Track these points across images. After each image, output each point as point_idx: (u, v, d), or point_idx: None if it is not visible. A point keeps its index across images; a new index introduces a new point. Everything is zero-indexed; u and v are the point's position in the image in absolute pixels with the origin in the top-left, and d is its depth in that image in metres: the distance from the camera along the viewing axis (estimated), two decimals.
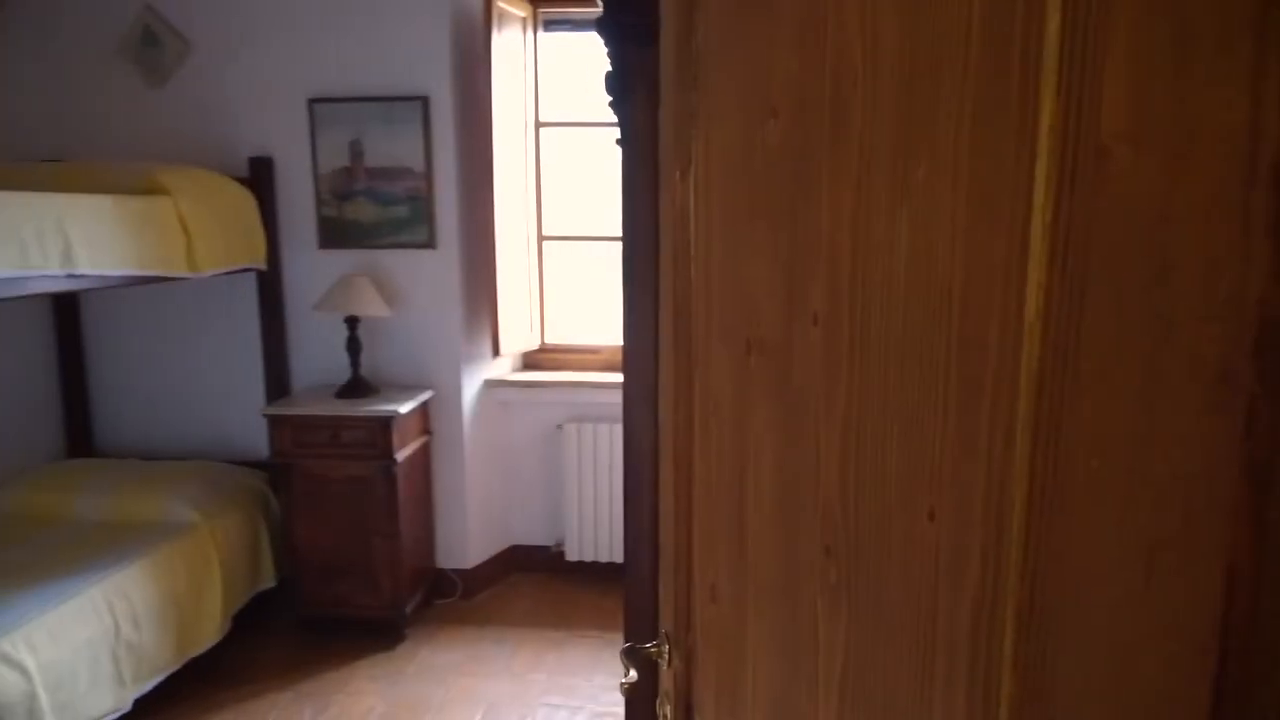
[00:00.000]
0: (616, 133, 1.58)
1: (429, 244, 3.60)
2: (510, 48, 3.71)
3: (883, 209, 0.57)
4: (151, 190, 2.96)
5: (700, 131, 0.98)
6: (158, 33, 3.57)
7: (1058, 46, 0.40)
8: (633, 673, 1.12)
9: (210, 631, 3.10)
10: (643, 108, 1.44)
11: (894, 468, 0.58)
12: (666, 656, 1.16)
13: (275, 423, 3.33)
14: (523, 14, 3.78)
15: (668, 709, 1.17)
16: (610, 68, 1.52)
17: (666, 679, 1.18)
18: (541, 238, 4.05)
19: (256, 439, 3.55)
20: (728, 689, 0.95)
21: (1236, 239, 0.30)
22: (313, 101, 3.55)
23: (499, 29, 3.61)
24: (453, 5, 3.50)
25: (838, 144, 0.63)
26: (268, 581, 3.50)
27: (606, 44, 1.49)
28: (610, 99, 1.54)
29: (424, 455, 3.66)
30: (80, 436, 3.76)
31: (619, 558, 3.60)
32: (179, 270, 2.96)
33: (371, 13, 3.49)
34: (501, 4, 3.63)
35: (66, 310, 3.71)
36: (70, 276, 2.46)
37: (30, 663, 2.30)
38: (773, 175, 0.76)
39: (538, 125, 3.97)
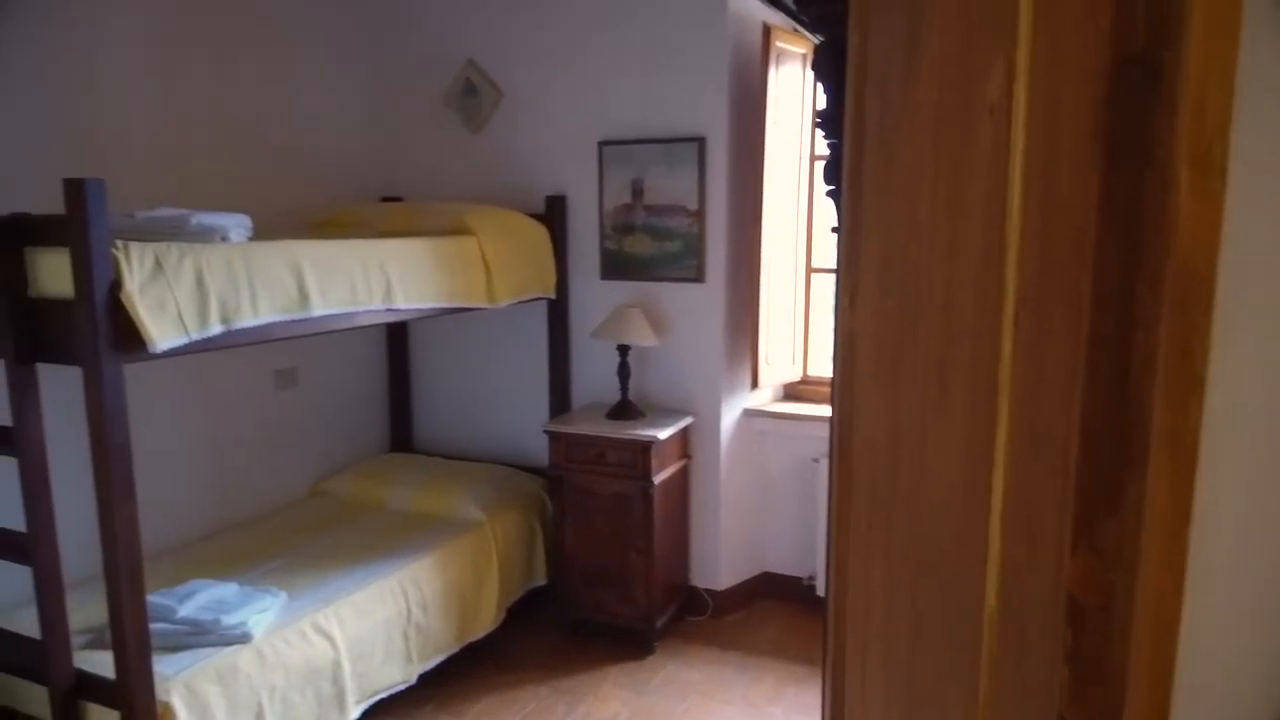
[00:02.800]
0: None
1: (697, 278, 3.76)
2: (788, 83, 3.77)
3: (934, 404, 0.58)
4: (460, 230, 3.39)
5: (864, 266, 1.00)
6: (477, 84, 4.06)
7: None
8: None
9: (487, 620, 3.50)
10: None
11: (939, 638, 0.59)
12: None
13: (553, 438, 3.68)
14: (802, 50, 3.82)
15: None
16: (829, 157, 1.54)
17: None
18: (810, 270, 4.07)
19: (539, 447, 3.91)
20: None
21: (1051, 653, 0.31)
22: (602, 144, 3.85)
23: (776, 67, 3.69)
24: (733, 48, 3.63)
25: (916, 344, 0.64)
26: (539, 579, 3.86)
27: (827, 137, 1.52)
28: (829, 188, 1.56)
29: (682, 477, 3.84)
30: (401, 434, 4.40)
31: None
32: (479, 302, 3.37)
33: (656, 61, 3.72)
34: (781, 44, 3.69)
35: (397, 329, 4.34)
36: (389, 310, 2.91)
37: (338, 635, 2.77)
38: (886, 343, 0.77)
39: (812, 158, 3.99)
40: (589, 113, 3.88)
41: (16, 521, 2.40)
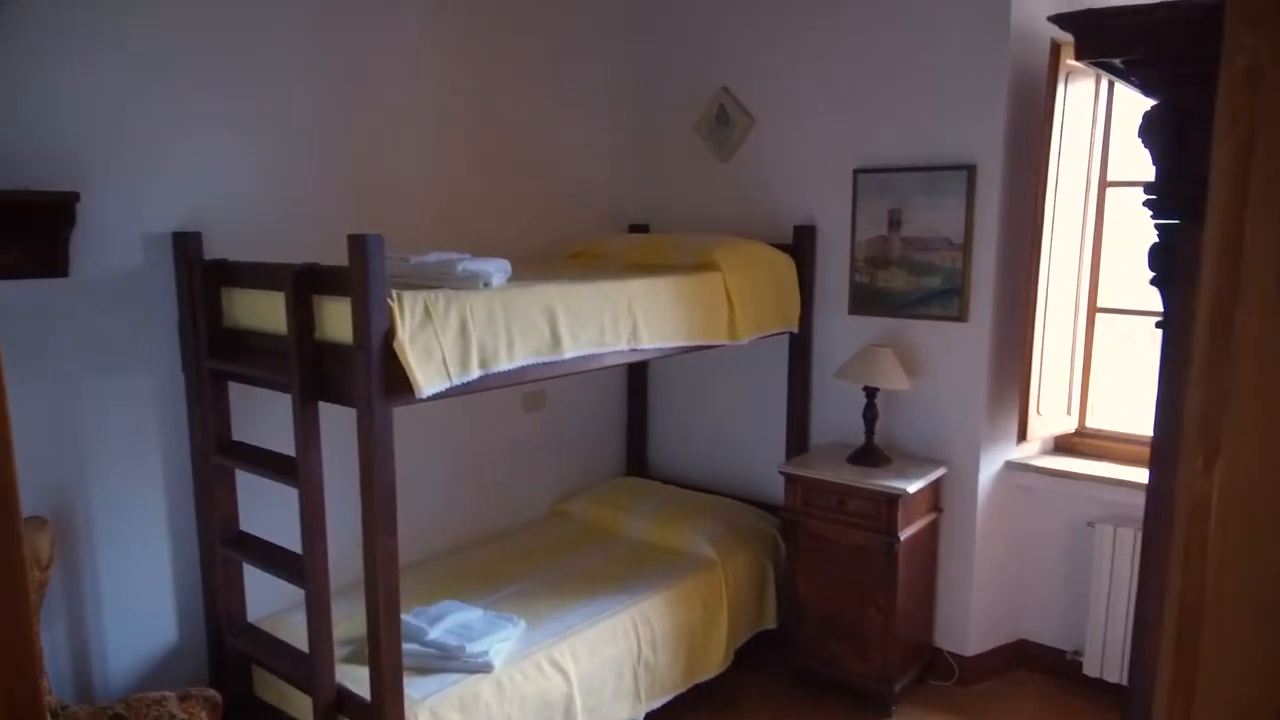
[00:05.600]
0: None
1: (959, 317, 3.45)
2: (1077, 104, 3.37)
3: None
4: (706, 264, 3.33)
5: (1232, 422, 0.79)
6: (730, 112, 3.98)
7: None
8: None
9: (715, 662, 3.42)
10: (1188, 297, 1.21)
11: None
12: None
13: (789, 480, 3.52)
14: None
15: None
16: (1157, 239, 1.30)
17: None
18: (1094, 309, 3.62)
19: (774, 484, 3.78)
20: None
21: None
22: (858, 171, 3.64)
23: (1065, 85, 3.30)
24: (1014, 68, 3.29)
25: None
26: (769, 622, 3.73)
27: (1154, 215, 1.28)
28: (1153, 274, 1.32)
29: (931, 532, 3.56)
30: (636, 459, 4.43)
31: None
32: (721, 339, 3.29)
33: (924, 83, 3.45)
34: (1073, 60, 3.30)
35: None
36: (633, 350, 2.90)
37: (572, 669, 2.79)
38: (1259, 557, 0.58)
39: (1102, 185, 3.55)
40: (844, 140, 3.68)
41: (273, 532, 2.64)
